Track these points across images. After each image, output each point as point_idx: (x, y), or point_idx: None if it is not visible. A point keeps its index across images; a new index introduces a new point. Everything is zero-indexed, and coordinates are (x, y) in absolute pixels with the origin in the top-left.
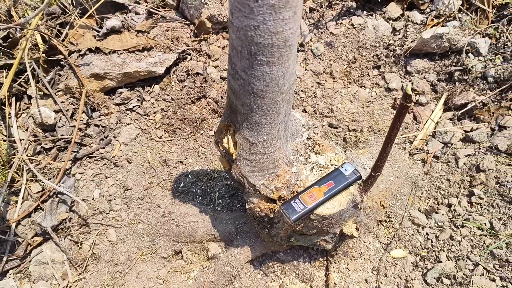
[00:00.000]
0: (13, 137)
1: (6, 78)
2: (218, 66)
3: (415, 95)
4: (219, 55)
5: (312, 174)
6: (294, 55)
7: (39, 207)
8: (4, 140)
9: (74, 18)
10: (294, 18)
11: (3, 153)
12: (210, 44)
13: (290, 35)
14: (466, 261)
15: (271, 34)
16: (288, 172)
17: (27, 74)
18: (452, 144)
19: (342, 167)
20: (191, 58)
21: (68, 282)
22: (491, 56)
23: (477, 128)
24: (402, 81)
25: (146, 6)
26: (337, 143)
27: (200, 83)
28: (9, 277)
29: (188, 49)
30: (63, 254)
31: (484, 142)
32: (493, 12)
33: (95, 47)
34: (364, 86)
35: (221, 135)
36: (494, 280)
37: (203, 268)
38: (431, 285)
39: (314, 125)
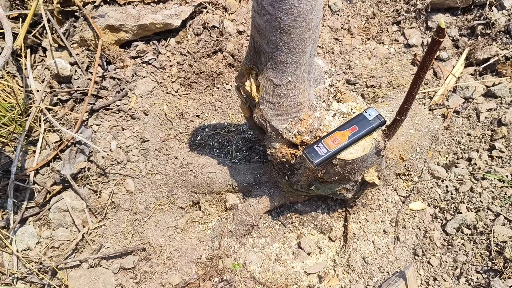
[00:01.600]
0: (30, 88)
1: (21, 28)
2: (234, 19)
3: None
4: (236, 8)
5: (335, 120)
6: None
7: (57, 156)
8: (21, 91)
9: None
10: None
11: (20, 103)
12: None
13: None
14: (487, 211)
15: None
16: (311, 116)
17: (42, 25)
18: (473, 99)
19: (366, 112)
20: (207, 11)
21: (88, 228)
22: None
23: (499, 83)
24: (422, 37)
25: None
26: None
27: (217, 37)
28: (29, 224)
29: (204, 2)
30: (82, 202)
31: (506, 96)
32: None
33: None
34: (383, 43)
35: (243, 79)
36: None
37: (221, 219)
38: (450, 235)
39: (336, 72)
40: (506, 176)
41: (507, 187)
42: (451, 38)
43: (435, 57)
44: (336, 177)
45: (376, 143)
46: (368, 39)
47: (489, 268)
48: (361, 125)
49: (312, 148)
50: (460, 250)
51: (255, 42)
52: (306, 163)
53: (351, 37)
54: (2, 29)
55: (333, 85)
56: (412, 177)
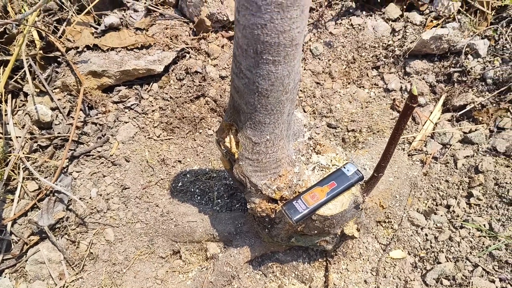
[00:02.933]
0: (9, 135)
1: (2, 74)
2: (217, 65)
3: None
4: (218, 53)
5: (314, 174)
6: (300, 54)
7: (35, 205)
8: (0, 138)
9: (72, 15)
10: (301, 17)
11: None
12: (210, 42)
13: (297, 34)
14: (466, 262)
15: (278, 32)
16: (290, 172)
17: (24, 71)
18: (450, 145)
19: (345, 168)
20: (190, 57)
21: (65, 282)
22: (490, 58)
23: (475, 130)
24: (401, 82)
25: (145, 3)
26: (336, 143)
27: (199, 82)
28: (5, 277)
29: (187, 48)
30: (60, 253)
31: (483, 143)
32: (492, 14)
33: (93, 44)
34: (363, 87)
35: (223, 134)
36: (493, 281)
37: (202, 268)
38: (430, 286)
39: (315, 125)
40: (484, 225)
41: (484, 236)
42: (429, 84)
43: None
44: (316, 231)
45: (354, 198)
46: (349, 83)
47: None
48: (340, 180)
49: (291, 205)
50: None
51: (235, 102)
52: (286, 218)
53: (332, 81)
54: None
55: (312, 138)
56: (392, 224)
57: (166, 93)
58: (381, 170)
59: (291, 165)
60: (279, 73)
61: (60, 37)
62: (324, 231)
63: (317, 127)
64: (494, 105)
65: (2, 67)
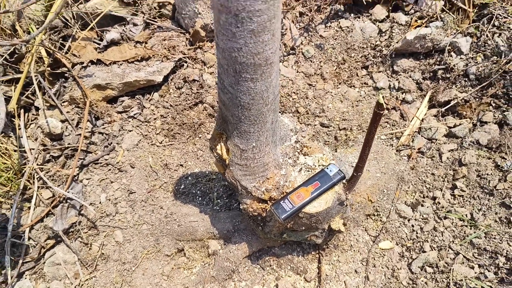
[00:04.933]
0: (23, 147)
1: (14, 91)
2: (213, 72)
3: (402, 93)
4: (214, 61)
5: (300, 175)
6: (277, 70)
7: (50, 212)
8: (15, 151)
9: (76, 31)
10: (273, 40)
11: (14, 163)
12: (205, 51)
13: (270, 54)
14: (448, 250)
15: (253, 54)
16: (278, 174)
17: (34, 87)
18: (436, 139)
19: (327, 168)
20: (187, 66)
21: (80, 281)
22: (472, 54)
23: (459, 124)
24: (389, 80)
25: (143, 17)
26: (328, 141)
27: (197, 89)
28: (26, 278)
29: (184, 57)
30: (74, 255)
31: (466, 137)
32: (474, 12)
33: (97, 59)
34: (353, 86)
35: (215, 142)
36: (472, 268)
37: (204, 264)
38: (415, 273)
39: (301, 129)
40: (466, 215)
41: (466, 226)
42: (415, 82)
43: (402, 99)
44: (304, 227)
45: (338, 196)
46: (340, 83)
47: None
48: (323, 180)
49: (279, 204)
50: None
51: (222, 113)
52: (275, 217)
53: (324, 82)
54: None
55: (299, 141)
56: (381, 217)
57: (167, 102)
58: (360, 170)
59: (278, 168)
60: (258, 88)
61: (66, 53)
62: (312, 227)
63: (303, 131)
64: (477, 99)
65: (14, 84)
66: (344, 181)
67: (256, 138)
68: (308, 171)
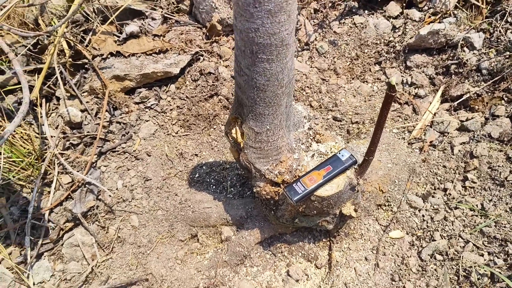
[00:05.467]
0: (45, 135)
1: (37, 81)
2: (228, 65)
3: (414, 88)
4: (229, 55)
5: (313, 161)
6: (292, 52)
7: (69, 196)
8: (37, 137)
9: (97, 25)
10: (289, 21)
11: (36, 149)
12: (221, 45)
13: (286, 35)
14: (458, 239)
15: (269, 35)
16: (290, 158)
17: (56, 77)
18: (448, 133)
19: (340, 153)
20: (203, 59)
21: (97, 262)
22: (485, 50)
23: (471, 118)
24: (402, 76)
25: (162, 12)
26: (341, 135)
27: (212, 82)
28: (44, 259)
29: (200, 51)
30: (92, 237)
31: (478, 130)
32: (487, 8)
33: (116, 51)
34: (366, 81)
35: (230, 127)
36: (482, 255)
37: (217, 250)
38: (425, 261)
39: (315, 116)
40: (477, 205)
41: (477, 216)
42: (428, 77)
43: (414, 94)
44: (315, 211)
45: (349, 180)
46: (353, 78)
47: None
48: (335, 165)
49: (291, 187)
50: (432, 275)
51: (238, 96)
52: (287, 199)
53: (337, 77)
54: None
55: (312, 128)
56: (391, 207)
57: (183, 93)
58: (371, 154)
59: (291, 152)
60: (273, 69)
61: (86, 45)
62: (323, 211)
63: (316, 118)
64: (489, 94)
65: (36, 75)
66: (355, 166)
67: (271, 120)
68: (321, 157)
